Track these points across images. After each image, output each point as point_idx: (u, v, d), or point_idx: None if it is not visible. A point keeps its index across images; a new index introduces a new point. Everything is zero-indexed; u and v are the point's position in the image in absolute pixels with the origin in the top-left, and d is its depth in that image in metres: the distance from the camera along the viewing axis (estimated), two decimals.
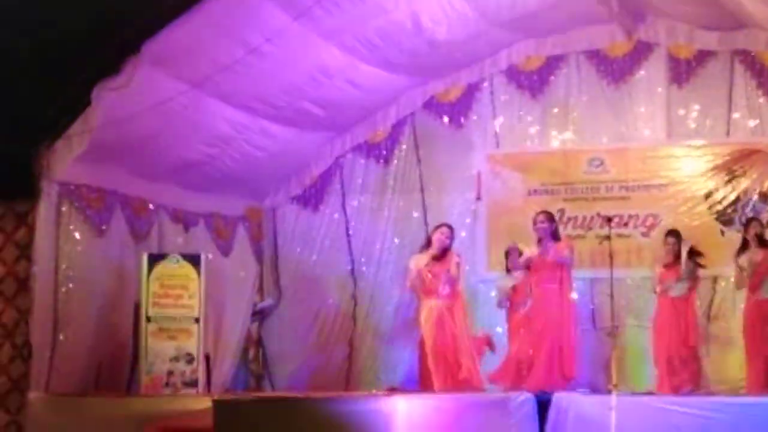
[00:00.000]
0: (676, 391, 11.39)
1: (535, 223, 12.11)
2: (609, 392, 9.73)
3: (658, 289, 12.04)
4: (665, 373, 11.79)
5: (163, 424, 10.42)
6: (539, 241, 12.02)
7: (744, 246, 11.78)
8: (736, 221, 12.75)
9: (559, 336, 11.77)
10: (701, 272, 12.13)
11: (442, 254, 11.90)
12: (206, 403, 9.25)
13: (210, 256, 13.00)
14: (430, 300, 11.87)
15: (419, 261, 11.97)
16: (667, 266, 12.06)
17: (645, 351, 12.27)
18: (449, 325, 11.81)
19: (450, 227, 12.13)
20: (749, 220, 12.13)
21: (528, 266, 12.10)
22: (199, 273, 12.45)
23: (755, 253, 11.60)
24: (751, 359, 11.60)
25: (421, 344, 12.36)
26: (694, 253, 12.00)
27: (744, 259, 11.66)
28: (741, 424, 9.33)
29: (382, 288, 13.97)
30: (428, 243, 12.12)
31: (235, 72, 11.40)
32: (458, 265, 11.96)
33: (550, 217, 12.15)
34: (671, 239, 12.14)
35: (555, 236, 12.07)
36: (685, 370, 11.78)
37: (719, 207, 12.93)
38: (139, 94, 10.90)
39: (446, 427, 9.31)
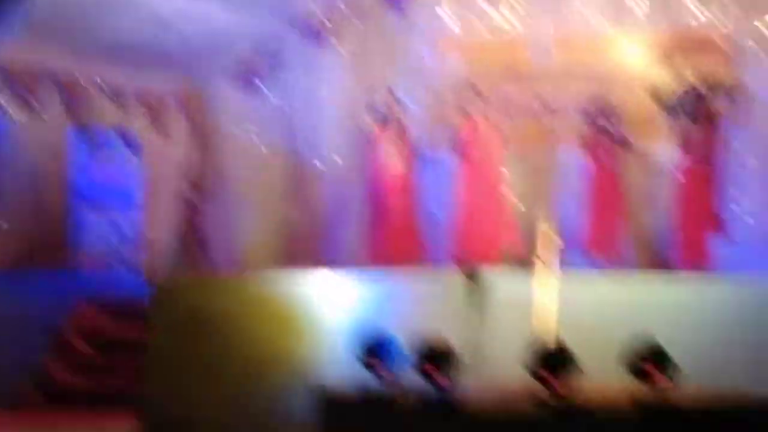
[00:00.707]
0: (609, 265, 11.62)
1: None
2: (538, 268, 9.75)
3: None
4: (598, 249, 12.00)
5: (99, 301, 10.44)
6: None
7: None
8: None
9: (490, 213, 12.04)
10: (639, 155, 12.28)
11: (395, 126, 12.23)
12: (143, 282, 9.24)
13: (146, 135, 12.88)
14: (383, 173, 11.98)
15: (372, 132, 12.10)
16: None
17: (579, 228, 12.33)
18: (403, 199, 12.02)
19: (395, 96, 12.58)
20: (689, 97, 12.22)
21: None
22: (136, 154, 12.34)
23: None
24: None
25: (369, 221, 12.44)
26: None
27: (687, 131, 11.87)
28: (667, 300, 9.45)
29: (326, 167, 13.87)
30: (378, 118, 12.42)
31: None
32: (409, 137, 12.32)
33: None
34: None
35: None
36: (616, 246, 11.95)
37: (662, 94, 12.88)
38: None
39: (382, 307, 9.31)
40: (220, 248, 13.83)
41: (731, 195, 12.35)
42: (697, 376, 7.47)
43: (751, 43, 12.80)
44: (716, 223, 11.78)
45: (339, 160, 13.71)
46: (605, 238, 11.99)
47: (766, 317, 9.10)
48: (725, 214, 12.04)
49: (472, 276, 10.40)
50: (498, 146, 12.18)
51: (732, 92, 12.66)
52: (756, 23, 12.74)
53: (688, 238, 11.67)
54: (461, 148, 12.25)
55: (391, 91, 12.39)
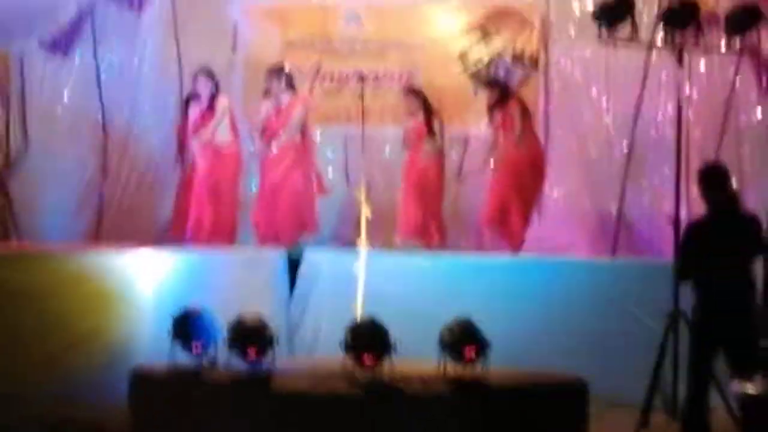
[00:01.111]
0: (427, 248, 11.60)
1: (266, 82, 12.22)
2: (358, 248, 9.81)
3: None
4: (415, 231, 11.98)
5: None
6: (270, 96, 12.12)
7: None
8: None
9: (299, 191, 11.85)
10: (452, 132, 12.33)
11: (211, 103, 11.92)
12: None
13: None
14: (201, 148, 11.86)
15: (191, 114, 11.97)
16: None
17: (396, 208, 12.36)
18: (222, 171, 11.84)
19: (206, 72, 12.07)
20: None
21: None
22: None
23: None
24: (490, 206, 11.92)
25: (180, 194, 12.26)
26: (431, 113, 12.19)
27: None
28: (484, 281, 9.63)
29: (134, 138, 13.64)
30: (195, 96, 12.11)
31: None
32: (227, 108, 12.04)
33: (277, 73, 12.21)
34: (411, 98, 12.33)
35: (292, 87, 12.13)
36: (433, 228, 11.99)
37: (473, 67, 13.07)
38: None
39: (196, 282, 9.27)
40: (28, 220, 13.48)
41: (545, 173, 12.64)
42: (507, 355, 7.61)
43: (559, 16, 13.04)
44: (531, 203, 11.93)
45: (153, 132, 13.49)
46: (423, 220, 12.01)
47: (575, 299, 9.37)
48: (540, 194, 12.27)
49: (292, 254, 10.44)
50: (310, 122, 12.11)
51: (538, 65, 12.92)
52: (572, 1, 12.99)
53: (502, 219, 11.77)
54: (270, 125, 12.17)
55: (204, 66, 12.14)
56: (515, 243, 11.60)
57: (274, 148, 11.97)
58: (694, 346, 7.79)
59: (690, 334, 7.93)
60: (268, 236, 11.72)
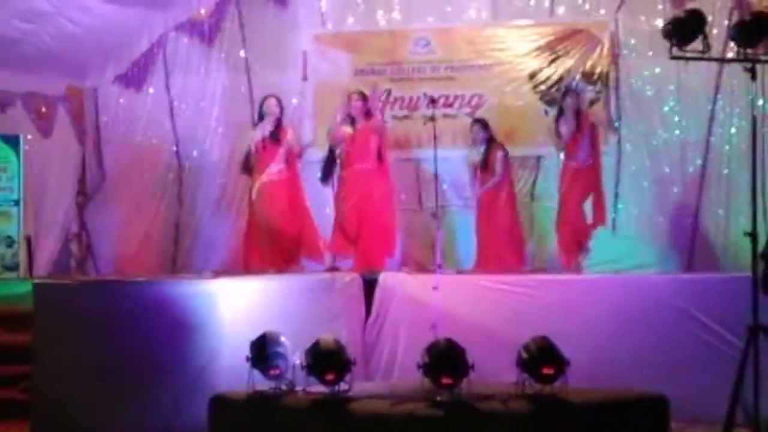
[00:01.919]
0: (500, 269, 11.56)
1: (349, 101, 12.08)
2: (433, 271, 9.82)
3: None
4: (490, 253, 11.96)
5: None
6: (352, 121, 12.00)
7: (560, 114, 11.94)
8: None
9: (376, 215, 11.82)
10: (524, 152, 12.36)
11: (277, 127, 11.86)
12: (27, 286, 9.08)
13: (29, 137, 12.69)
14: (263, 176, 11.78)
15: (254, 135, 11.87)
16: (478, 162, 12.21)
17: (470, 231, 12.35)
18: (284, 201, 11.79)
19: (278, 98, 12.03)
20: (566, 91, 12.27)
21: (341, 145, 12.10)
22: (18, 154, 12.17)
23: (569, 122, 11.77)
24: (562, 225, 11.82)
25: (250, 224, 12.31)
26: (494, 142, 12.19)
27: (562, 126, 11.83)
28: (559, 300, 9.56)
29: (207, 168, 13.79)
30: (261, 118, 12.07)
31: None
32: (294, 136, 11.98)
33: (363, 97, 12.11)
34: (476, 128, 12.27)
35: (368, 115, 12.07)
36: (508, 250, 11.96)
37: (543, 87, 13.05)
38: None
39: (271, 309, 9.31)
40: (106, 251, 13.66)
41: (614, 189, 12.59)
42: (585, 373, 7.58)
43: (628, 33, 12.99)
44: (600, 219, 11.84)
45: (226, 161, 13.62)
46: (495, 243, 11.97)
47: (653, 315, 9.29)
48: (610, 210, 12.18)
49: (367, 277, 10.47)
50: (383, 148, 12.05)
51: (609, 82, 12.87)
52: (640, 17, 12.93)
53: (573, 237, 11.70)
54: (343, 151, 12.11)
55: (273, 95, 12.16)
56: (584, 260, 11.53)
57: (351, 174, 11.91)
58: None
59: None
60: (349, 262, 11.71)
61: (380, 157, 11.99)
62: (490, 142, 12.19)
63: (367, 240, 11.75)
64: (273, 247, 11.75)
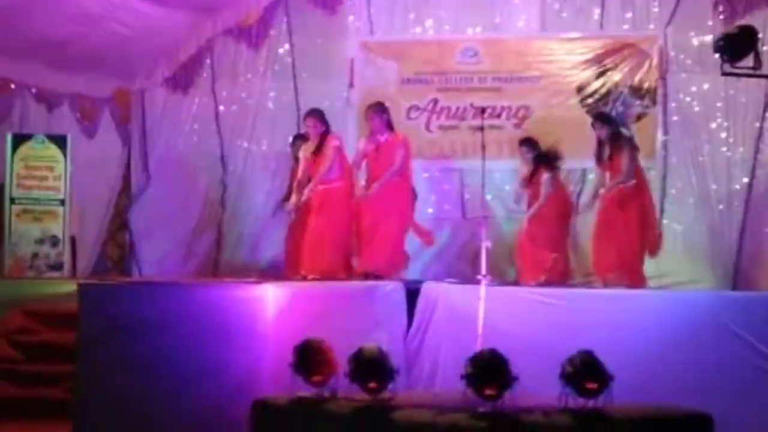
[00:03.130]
0: (543, 281, 11.49)
1: (366, 119, 12.03)
2: (478, 282, 9.79)
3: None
4: (531, 266, 11.90)
5: (29, 307, 10.28)
6: (371, 133, 11.93)
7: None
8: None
9: (391, 232, 11.68)
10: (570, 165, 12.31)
11: (321, 142, 11.74)
12: (72, 286, 9.11)
13: (75, 137, 12.78)
14: (316, 185, 11.67)
15: (305, 151, 11.85)
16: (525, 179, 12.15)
17: (514, 242, 12.30)
18: (335, 211, 11.69)
19: (315, 114, 11.85)
20: (595, 118, 12.08)
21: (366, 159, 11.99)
22: (65, 154, 12.26)
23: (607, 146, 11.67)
24: (603, 246, 11.58)
25: (292, 230, 12.31)
26: (546, 158, 12.07)
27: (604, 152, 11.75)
28: (604, 315, 9.51)
29: (252, 174, 13.83)
30: (305, 136, 12.08)
31: None
32: (338, 148, 11.79)
33: (379, 111, 11.91)
34: (524, 148, 12.22)
35: (390, 127, 11.95)
36: (549, 262, 11.88)
37: (590, 100, 13.01)
38: None
39: (315, 315, 9.32)
40: (150, 253, 13.72)
41: (661, 206, 12.52)
42: (628, 389, 7.53)
43: (677, 49, 12.94)
44: (648, 238, 11.68)
45: (270, 168, 13.64)
46: (544, 257, 11.88)
47: (698, 332, 9.22)
48: (657, 228, 12.05)
49: (410, 286, 10.45)
50: (404, 163, 11.83)
51: (657, 98, 12.80)
52: (690, 32, 12.87)
53: (619, 254, 11.53)
54: (371, 165, 11.94)
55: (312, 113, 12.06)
56: (635, 276, 11.39)
57: (375, 188, 11.72)
58: None
59: None
60: (361, 273, 11.57)
61: (403, 173, 11.82)
62: (539, 161, 12.10)
63: (381, 254, 11.60)
64: (328, 254, 11.62)
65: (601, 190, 11.62)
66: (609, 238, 11.47)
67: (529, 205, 12.03)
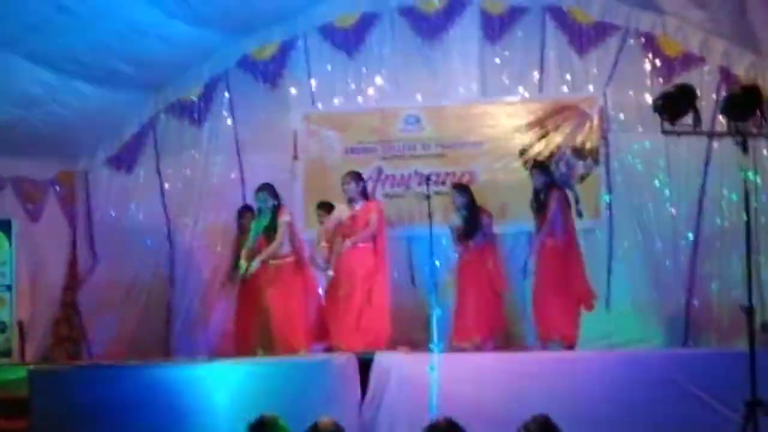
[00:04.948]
0: (486, 348, 11.50)
1: (342, 184, 12.05)
2: (429, 351, 9.77)
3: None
4: (469, 331, 11.88)
5: None
6: (349, 201, 11.99)
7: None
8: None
9: (369, 296, 11.71)
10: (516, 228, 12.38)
11: (273, 220, 11.73)
12: (21, 372, 9.03)
13: (20, 220, 12.70)
14: (264, 259, 11.63)
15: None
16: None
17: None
18: (289, 286, 11.65)
19: (265, 189, 11.92)
20: (533, 166, 12.34)
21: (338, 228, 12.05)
22: (10, 240, 12.17)
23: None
24: (537, 306, 11.74)
25: (241, 305, 12.27)
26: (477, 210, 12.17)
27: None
28: (558, 378, 9.52)
29: (199, 251, 13.76)
30: (258, 209, 12.07)
31: (43, 31, 11.01)
32: (289, 223, 11.79)
33: (356, 177, 12.05)
34: (454, 191, 12.32)
35: (365, 196, 12.05)
36: (488, 327, 11.88)
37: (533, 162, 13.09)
38: None
39: (268, 391, 9.26)
40: (98, 334, 13.58)
41: (608, 265, 12.60)
42: None
43: (617, 109, 13.07)
44: (587, 296, 11.78)
45: (218, 243, 13.60)
46: (478, 318, 11.90)
47: (649, 391, 9.24)
48: (597, 286, 12.12)
49: (362, 357, 10.41)
50: (378, 227, 11.94)
51: (599, 158, 12.90)
52: (629, 92, 13.01)
53: (559, 313, 11.59)
54: (345, 232, 11.98)
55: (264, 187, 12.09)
56: (568, 339, 11.46)
57: (347, 246, 11.76)
58: None
59: None
60: (339, 346, 11.54)
61: (376, 239, 11.89)
62: (472, 205, 12.18)
63: (367, 319, 11.63)
64: (286, 330, 11.55)
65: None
66: (543, 297, 11.60)
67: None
